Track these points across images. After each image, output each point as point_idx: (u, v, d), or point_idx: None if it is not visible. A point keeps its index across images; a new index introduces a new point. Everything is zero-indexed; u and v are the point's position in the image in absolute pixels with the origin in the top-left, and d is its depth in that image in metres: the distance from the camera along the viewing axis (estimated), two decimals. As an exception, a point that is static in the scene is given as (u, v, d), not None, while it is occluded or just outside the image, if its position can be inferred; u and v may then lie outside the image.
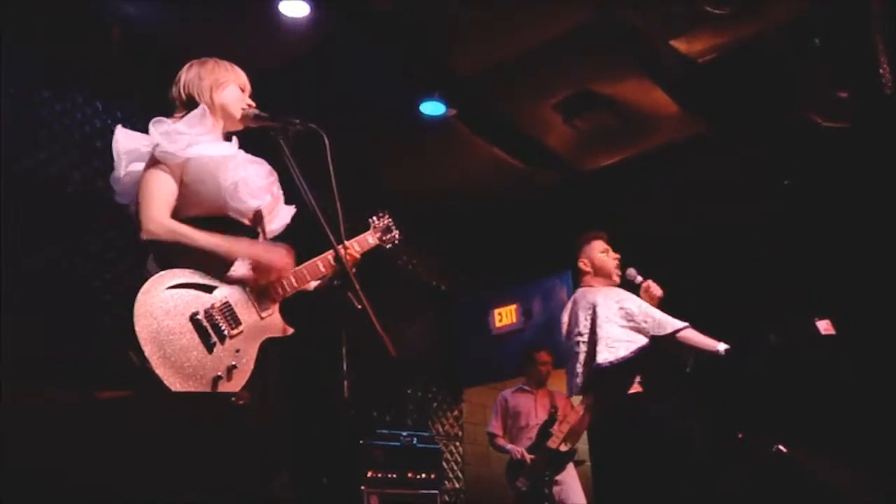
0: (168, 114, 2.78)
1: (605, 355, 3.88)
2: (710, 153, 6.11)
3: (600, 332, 3.94)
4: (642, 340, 3.91)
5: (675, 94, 5.72)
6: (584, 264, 4.42)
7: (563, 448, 5.64)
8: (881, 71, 4.70)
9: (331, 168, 2.50)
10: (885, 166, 5.24)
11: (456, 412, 7.49)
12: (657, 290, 4.23)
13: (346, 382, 2.44)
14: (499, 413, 6.09)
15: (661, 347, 3.92)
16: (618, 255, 4.37)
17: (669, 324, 3.94)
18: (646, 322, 3.93)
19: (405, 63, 5.41)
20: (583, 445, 6.21)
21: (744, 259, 4.32)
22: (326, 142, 2.53)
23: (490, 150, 6.37)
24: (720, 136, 6.04)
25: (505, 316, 7.46)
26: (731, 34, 5.03)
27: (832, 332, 3.93)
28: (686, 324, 3.98)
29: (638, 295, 4.20)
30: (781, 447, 3.98)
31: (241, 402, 2.00)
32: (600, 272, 4.34)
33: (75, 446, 1.82)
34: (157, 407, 1.94)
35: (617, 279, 4.32)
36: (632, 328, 3.94)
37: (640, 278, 4.30)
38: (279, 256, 2.66)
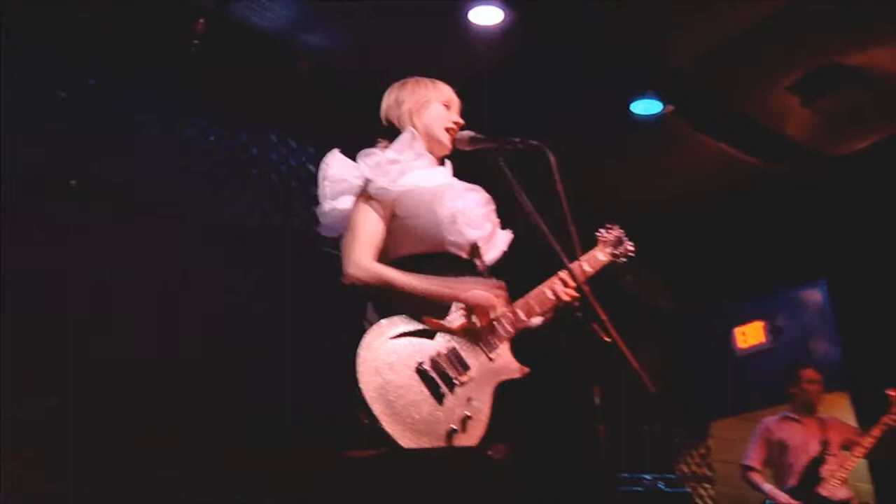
0: (370, 143, 2.86)
1: None
2: None
3: None
4: None
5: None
6: None
7: (841, 495, 5.20)
8: None
9: (559, 186, 2.52)
10: None
11: (702, 449, 7.34)
12: None
13: (601, 427, 2.37)
14: (759, 443, 5.72)
15: None
16: None
17: None
18: None
19: (610, 61, 5.38)
20: (866, 484, 5.78)
21: None
22: (552, 159, 2.55)
23: (716, 147, 6.23)
24: None
25: (749, 335, 7.29)
26: None
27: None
28: None
29: None
30: None
31: (497, 457, 1.98)
32: None
33: None
34: (415, 465, 2.02)
35: None
36: None
37: None
38: (492, 293, 2.61)
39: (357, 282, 2.57)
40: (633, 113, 5.71)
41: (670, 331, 7.59)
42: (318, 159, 2.84)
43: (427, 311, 2.56)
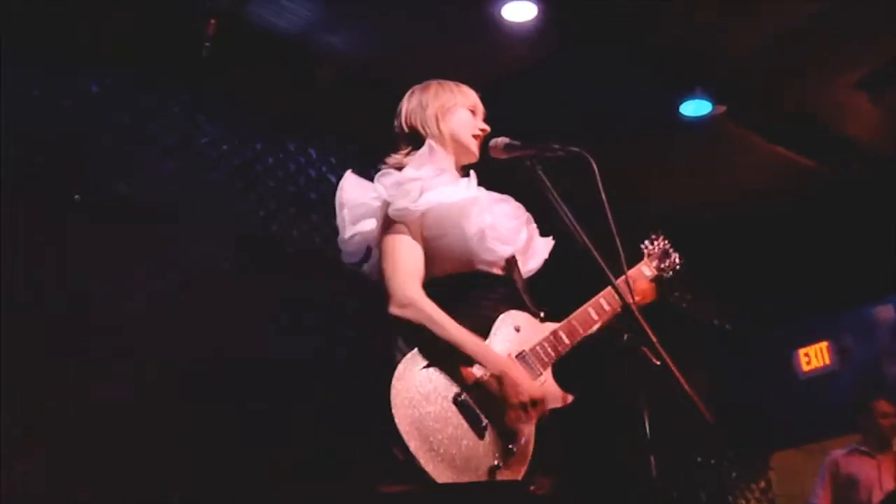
0: (391, 151, 2.81)
1: None
2: None
3: None
4: None
5: None
6: None
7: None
8: None
9: (603, 197, 2.45)
10: None
11: (762, 483, 7.25)
12: None
13: (653, 458, 2.26)
14: (826, 480, 5.58)
15: None
16: None
17: None
18: None
19: (656, 60, 5.33)
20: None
21: None
22: (595, 167, 2.48)
23: (771, 150, 6.14)
24: None
25: (813, 357, 7.18)
26: None
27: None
28: None
29: None
30: None
31: (541, 493, 1.99)
32: None
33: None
34: (453, 501, 2.01)
35: None
36: None
37: None
38: (527, 380, 2.48)
39: (403, 315, 2.48)
40: (682, 114, 5.65)
41: (726, 353, 7.47)
42: (339, 169, 2.76)
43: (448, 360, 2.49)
